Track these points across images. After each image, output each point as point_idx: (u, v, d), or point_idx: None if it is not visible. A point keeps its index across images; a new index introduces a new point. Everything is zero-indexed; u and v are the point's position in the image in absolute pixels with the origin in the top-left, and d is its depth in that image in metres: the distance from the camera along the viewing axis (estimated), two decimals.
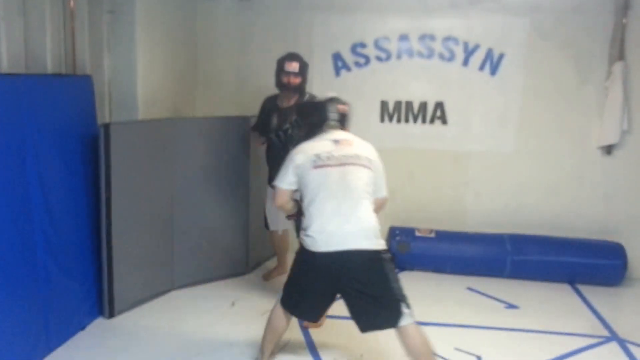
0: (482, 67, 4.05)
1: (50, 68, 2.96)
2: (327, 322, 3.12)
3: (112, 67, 3.45)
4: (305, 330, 3.05)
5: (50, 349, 2.67)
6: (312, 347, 2.89)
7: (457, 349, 2.86)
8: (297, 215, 2.50)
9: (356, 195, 2.27)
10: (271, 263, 4.00)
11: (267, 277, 3.75)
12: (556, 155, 4.06)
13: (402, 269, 4.01)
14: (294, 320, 3.13)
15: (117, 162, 2.97)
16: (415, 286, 3.76)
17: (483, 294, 3.64)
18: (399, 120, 4.20)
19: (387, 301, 2.25)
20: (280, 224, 3.51)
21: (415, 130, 4.18)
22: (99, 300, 3.07)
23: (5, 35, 2.66)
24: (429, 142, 4.17)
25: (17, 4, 2.75)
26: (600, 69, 3.93)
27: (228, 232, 3.71)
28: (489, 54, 4.03)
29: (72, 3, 3.09)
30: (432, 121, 4.15)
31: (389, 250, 2.38)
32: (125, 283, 3.12)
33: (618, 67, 3.84)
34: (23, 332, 2.50)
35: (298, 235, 2.59)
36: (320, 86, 4.19)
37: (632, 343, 3.02)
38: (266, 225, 3.63)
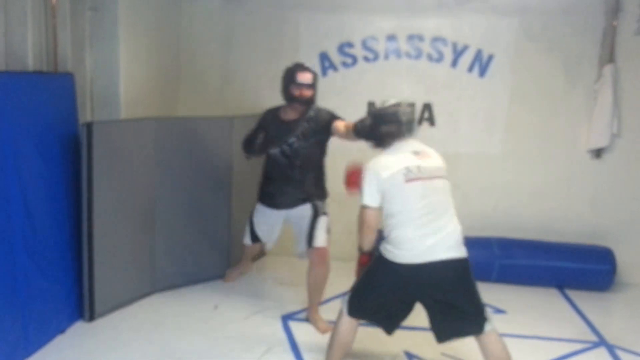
0: (471, 69, 4.02)
1: (31, 65, 2.90)
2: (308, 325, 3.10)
3: (94, 65, 3.39)
4: (288, 332, 3.02)
5: (28, 353, 2.61)
6: (295, 349, 2.85)
7: (444, 354, 2.84)
8: (372, 254, 2.42)
9: (444, 207, 2.35)
10: (254, 266, 3.97)
11: (229, 278, 3.66)
12: (545, 158, 4.03)
13: None
14: (276, 322, 3.11)
15: (98, 162, 2.92)
16: None
17: None
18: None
19: (473, 309, 2.32)
20: (273, 239, 3.32)
21: None
22: (79, 303, 3.01)
23: None
24: None
25: None
26: (589, 71, 3.91)
27: (210, 234, 3.66)
28: (478, 55, 4.00)
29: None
30: (419, 122, 4.11)
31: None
32: (106, 285, 3.06)
33: (608, 69, 3.83)
34: (1, 336, 2.44)
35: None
36: None
37: (621, 348, 3.00)
38: (253, 239, 3.34)
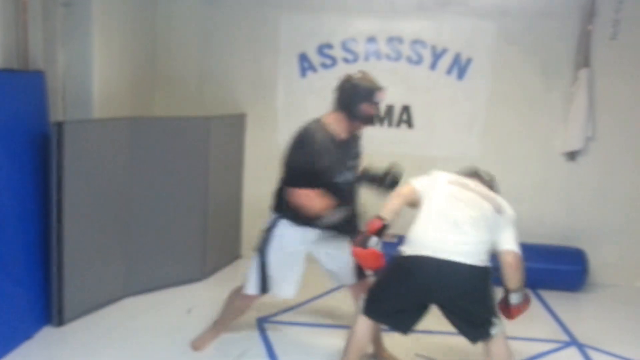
0: (449, 71, 4.04)
1: (0, 63, 2.81)
2: (290, 330, 3.09)
3: (66, 63, 3.29)
4: (263, 335, 3.00)
5: None
6: (270, 353, 2.83)
7: (417, 355, 2.86)
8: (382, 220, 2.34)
9: (472, 225, 2.38)
10: (229, 270, 3.91)
11: (198, 345, 2.82)
12: (521, 160, 4.08)
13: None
14: (251, 325, 3.08)
15: (69, 163, 2.84)
16: None
17: None
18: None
19: (481, 316, 2.34)
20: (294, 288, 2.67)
21: (381, 134, 4.13)
22: (48, 307, 2.93)
23: None
24: (395, 146, 4.10)
25: None
26: (566, 75, 3.96)
27: (185, 237, 3.60)
28: (456, 58, 4.02)
29: None
30: (398, 125, 4.12)
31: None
32: (75, 289, 2.98)
33: (583, 73, 3.88)
34: None
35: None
36: (285, 87, 4.15)
37: (591, 347, 3.06)
38: (264, 289, 2.59)
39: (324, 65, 4.11)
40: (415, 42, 4.03)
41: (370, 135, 4.08)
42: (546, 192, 4.09)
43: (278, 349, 2.86)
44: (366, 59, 4.07)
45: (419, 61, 4.05)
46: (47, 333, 2.89)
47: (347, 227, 2.49)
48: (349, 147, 2.55)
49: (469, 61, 4.01)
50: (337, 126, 2.46)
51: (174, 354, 2.77)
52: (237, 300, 2.72)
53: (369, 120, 2.53)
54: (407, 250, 2.34)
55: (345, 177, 2.50)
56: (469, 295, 2.31)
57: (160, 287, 3.49)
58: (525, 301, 2.47)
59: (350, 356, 2.41)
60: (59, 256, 2.89)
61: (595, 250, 3.94)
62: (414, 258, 2.29)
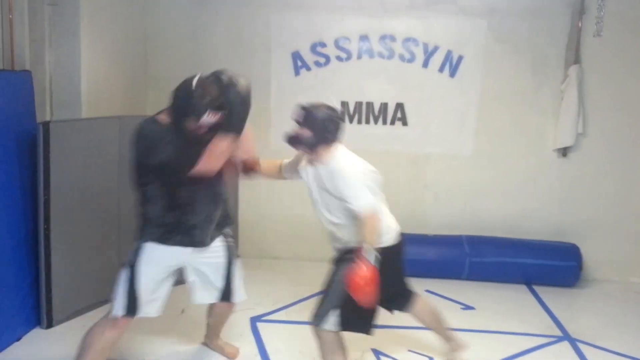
0: (441, 69, 4.04)
1: None
2: (282, 327, 3.07)
3: (53, 63, 3.26)
4: (256, 334, 2.98)
5: None
6: (263, 351, 2.81)
7: (410, 351, 2.86)
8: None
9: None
10: None
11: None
12: (513, 157, 4.09)
13: None
14: (245, 324, 3.05)
15: (56, 163, 2.82)
16: None
17: (441, 296, 3.63)
18: (359, 122, 4.14)
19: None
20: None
21: (376, 131, 4.14)
22: (36, 309, 2.89)
23: None
24: (389, 144, 4.13)
25: None
26: (556, 72, 3.98)
27: None
28: (448, 55, 4.02)
29: None
30: (392, 122, 4.12)
31: None
32: (64, 291, 2.95)
33: (573, 70, 3.89)
34: None
35: None
36: (279, 85, 4.13)
37: (583, 342, 3.07)
38: (132, 310, 2.35)
39: (318, 64, 4.09)
40: (407, 40, 4.03)
41: (364, 133, 4.13)
42: (539, 188, 4.10)
43: (270, 348, 2.85)
44: (359, 56, 4.07)
45: (411, 59, 4.05)
46: (36, 335, 2.85)
47: (216, 229, 2.39)
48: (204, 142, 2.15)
49: (460, 59, 4.01)
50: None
51: (167, 353, 2.75)
52: (105, 333, 2.33)
53: (194, 138, 2.12)
54: (387, 240, 2.38)
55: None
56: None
57: None
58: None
59: None
60: (47, 258, 2.86)
61: (588, 246, 3.94)
62: (399, 242, 2.44)
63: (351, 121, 4.14)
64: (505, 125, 4.06)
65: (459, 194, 4.15)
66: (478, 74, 4.02)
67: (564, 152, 4.03)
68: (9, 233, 2.73)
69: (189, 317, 3.15)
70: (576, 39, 3.90)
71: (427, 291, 3.68)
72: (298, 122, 2.33)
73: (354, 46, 4.06)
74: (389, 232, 2.41)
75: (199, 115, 2.06)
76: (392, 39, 4.04)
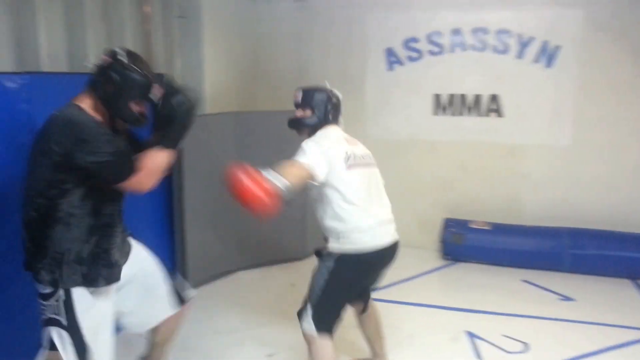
0: (537, 60, 4.03)
1: None
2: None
3: (182, 66, 3.76)
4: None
5: None
6: None
7: (504, 336, 2.91)
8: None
9: (383, 193, 2.27)
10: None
11: None
12: (613, 148, 3.97)
13: (457, 260, 4.08)
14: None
15: (187, 151, 3.21)
16: (469, 276, 3.86)
17: (538, 286, 3.64)
18: (453, 114, 4.25)
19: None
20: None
21: (469, 123, 4.22)
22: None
23: (92, 38, 3.00)
24: (483, 135, 4.19)
25: (99, 10, 3.10)
26: None
27: (288, 222, 3.71)
28: (544, 46, 4.00)
29: (147, 9, 3.41)
30: (486, 114, 4.17)
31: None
32: (197, 261, 3.43)
33: None
34: None
35: None
36: (373, 81, 4.36)
37: None
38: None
39: (411, 59, 4.27)
40: (501, 31, 4.07)
41: (458, 125, 4.23)
42: None
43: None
44: (452, 50, 4.17)
45: (505, 50, 4.08)
46: None
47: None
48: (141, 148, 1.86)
49: (557, 49, 3.97)
50: (96, 115, 1.78)
51: (276, 320, 3.05)
52: None
53: (137, 121, 1.84)
54: (359, 243, 2.16)
55: None
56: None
57: (266, 264, 3.91)
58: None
59: None
60: (182, 233, 3.35)
61: None
62: (372, 253, 2.17)
63: (444, 113, 4.26)
64: (605, 115, 3.96)
65: (558, 185, 4.11)
66: (575, 64, 3.95)
67: None
68: (152, 211, 3.19)
69: (298, 291, 3.23)
70: None
71: (524, 281, 3.72)
72: (297, 105, 2.27)
73: (446, 40, 4.17)
74: (359, 231, 2.11)
75: (143, 93, 1.77)
76: (485, 31, 4.10)
